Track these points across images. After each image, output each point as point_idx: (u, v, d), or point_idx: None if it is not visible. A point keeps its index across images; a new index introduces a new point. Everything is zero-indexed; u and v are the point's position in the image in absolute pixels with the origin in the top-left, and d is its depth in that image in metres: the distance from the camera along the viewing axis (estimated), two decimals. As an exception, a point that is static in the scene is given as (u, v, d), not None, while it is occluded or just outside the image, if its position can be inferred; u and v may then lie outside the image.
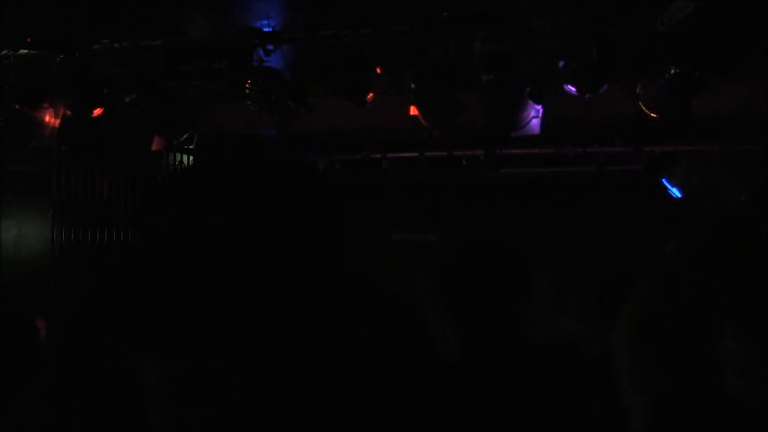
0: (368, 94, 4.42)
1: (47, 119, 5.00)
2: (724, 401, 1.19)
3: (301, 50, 4.57)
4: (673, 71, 3.86)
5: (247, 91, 4.53)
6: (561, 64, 4.10)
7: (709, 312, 1.29)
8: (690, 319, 1.28)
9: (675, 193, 5.60)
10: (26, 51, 4.66)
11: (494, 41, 4.14)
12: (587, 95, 4.13)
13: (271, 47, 4.46)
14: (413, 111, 4.51)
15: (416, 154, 6.18)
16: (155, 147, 5.50)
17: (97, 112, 4.83)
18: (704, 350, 1.25)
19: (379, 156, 6.27)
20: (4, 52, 4.65)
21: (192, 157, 6.62)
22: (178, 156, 6.57)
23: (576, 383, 1.80)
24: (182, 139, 5.42)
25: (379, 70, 4.40)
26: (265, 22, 4.36)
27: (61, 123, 5.00)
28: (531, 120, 4.51)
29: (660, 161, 5.74)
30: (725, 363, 1.24)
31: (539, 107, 4.43)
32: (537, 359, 1.83)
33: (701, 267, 1.31)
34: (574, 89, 4.14)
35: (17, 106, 4.83)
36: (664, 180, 5.61)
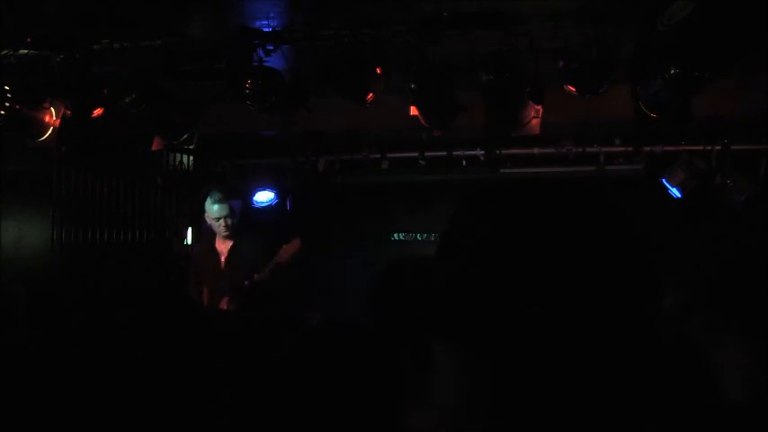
0: (368, 94, 4.42)
1: (47, 119, 5.00)
2: (726, 409, 1.19)
3: (301, 50, 4.57)
4: (673, 71, 3.86)
5: (247, 91, 4.53)
6: (561, 64, 4.10)
7: (710, 323, 1.29)
8: (692, 330, 1.28)
9: (675, 193, 5.60)
10: (26, 51, 4.66)
11: (494, 41, 4.14)
12: (587, 95, 4.13)
13: (271, 47, 4.46)
14: (413, 111, 4.51)
15: (416, 154, 6.18)
16: (155, 147, 5.50)
17: (97, 112, 4.82)
18: (706, 359, 1.25)
19: (379, 156, 6.27)
20: (4, 52, 4.65)
21: (191, 158, 6.63)
22: (178, 156, 6.58)
23: None
24: (182, 139, 5.42)
25: (379, 70, 4.40)
26: (265, 22, 4.36)
27: (61, 123, 5.00)
28: (531, 120, 4.51)
29: (660, 161, 5.74)
30: (726, 372, 1.24)
31: (539, 107, 4.43)
32: None
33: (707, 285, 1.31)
34: (574, 89, 4.14)
35: (17, 106, 4.83)
36: (664, 180, 5.61)
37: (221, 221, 4.89)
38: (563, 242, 0.70)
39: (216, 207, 4.89)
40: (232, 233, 4.93)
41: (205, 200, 5.00)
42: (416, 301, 0.71)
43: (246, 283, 4.83)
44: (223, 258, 4.98)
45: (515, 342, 0.67)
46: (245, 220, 5.24)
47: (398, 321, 0.73)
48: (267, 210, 6.20)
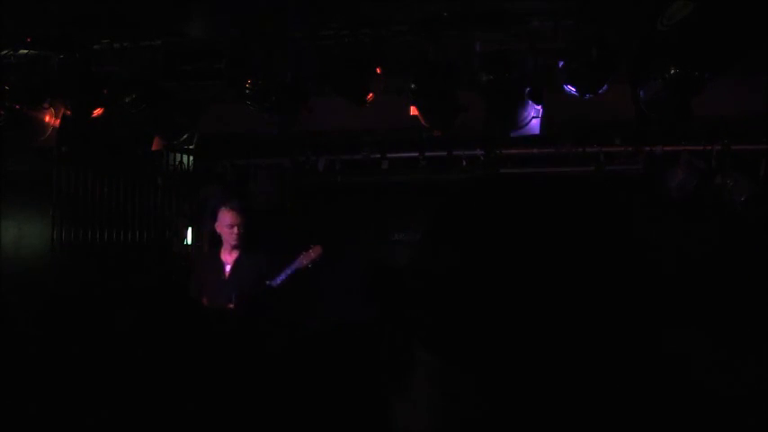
0: (368, 94, 4.42)
1: (47, 119, 5.00)
2: (701, 400, 1.19)
3: (301, 51, 4.57)
4: (673, 71, 3.86)
5: (247, 91, 4.53)
6: (561, 64, 4.10)
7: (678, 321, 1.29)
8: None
9: (674, 192, 5.60)
10: (26, 51, 4.66)
11: (494, 41, 4.14)
12: (587, 95, 4.13)
13: (271, 47, 4.46)
14: (413, 111, 4.51)
15: (416, 154, 6.18)
16: (155, 147, 5.50)
17: (97, 112, 4.83)
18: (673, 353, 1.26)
19: (379, 156, 6.27)
20: (4, 52, 4.65)
21: (191, 158, 6.63)
22: (178, 156, 6.59)
23: None
24: (182, 139, 5.42)
25: (378, 70, 4.40)
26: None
27: (61, 123, 5.00)
28: (531, 120, 4.51)
29: (660, 161, 5.74)
30: (697, 365, 1.24)
31: (539, 107, 4.43)
32: None
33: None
34: (574, 89, 4.14)
35: (17, 106, 4.83)
36: (663, 180, 5.61)
37: (234, 229, 4.87)
38: (562, 242, 0.70)
39: (231, 214, 4.87)
40: (240, 243, 4.91)
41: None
42: (415, 303, 0.70)
43: (261, 288, 4.83)
44: (228, 268, 4.95)
45: (515, 342, 0.67)
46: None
47: (395, 323, 0.73)
48: (267, 210, 6.20)
